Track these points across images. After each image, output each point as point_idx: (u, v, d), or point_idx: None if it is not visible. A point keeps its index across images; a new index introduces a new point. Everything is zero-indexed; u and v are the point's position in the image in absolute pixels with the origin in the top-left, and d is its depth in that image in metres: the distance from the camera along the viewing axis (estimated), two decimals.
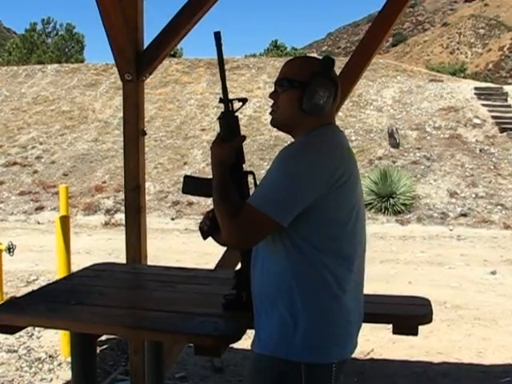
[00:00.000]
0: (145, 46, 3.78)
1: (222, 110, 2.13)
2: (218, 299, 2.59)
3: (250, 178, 2.20)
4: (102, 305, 2.58)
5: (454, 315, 6.29)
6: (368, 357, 5.02)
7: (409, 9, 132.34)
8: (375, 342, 5.29)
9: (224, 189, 1.94)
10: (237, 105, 2.13)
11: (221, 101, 2.13)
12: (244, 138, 2.06)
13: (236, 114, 2.12)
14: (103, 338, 5.11)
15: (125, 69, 3.68)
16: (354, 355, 4.33)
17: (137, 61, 3.69)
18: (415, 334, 2.62)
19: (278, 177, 1.81)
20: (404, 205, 12.79)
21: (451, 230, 11.97)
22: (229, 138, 2.04)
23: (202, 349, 2.25)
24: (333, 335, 1.87)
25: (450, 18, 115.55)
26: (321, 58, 2.04)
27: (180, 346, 4.07)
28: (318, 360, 1.85)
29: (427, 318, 2.69)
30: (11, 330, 2.48)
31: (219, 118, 2.11)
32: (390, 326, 5.79)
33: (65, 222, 4.71)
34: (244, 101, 2.12)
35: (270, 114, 2.02)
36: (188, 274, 3.19)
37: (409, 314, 2.60)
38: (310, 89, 1.88)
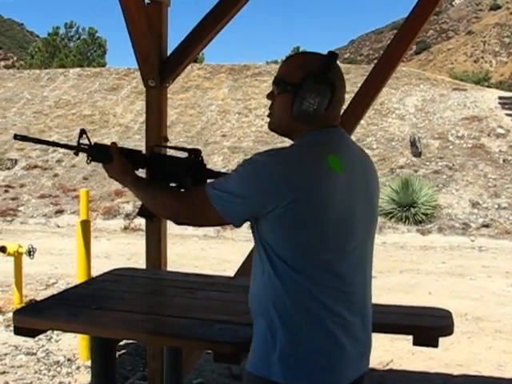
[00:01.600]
0: (168, 53, 3.80)
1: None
2: (238, 307, 2.60)
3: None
4: (123, 310, 2.59)
5: (475, 327, 6.22)
6: (387, 367, 4.98)
7: (433, 17, 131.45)
8: (394, 352, 5.25)
9: (145, 191, 2.04)
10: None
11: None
12: (112, 144, 2.20)
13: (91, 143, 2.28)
14: (122, 342, 5.13)
15: (148, 75, 3.71)
16: (372, 365, 4.30)
17: (160, 67, 3.72)
18: (435, 345, 2.57)
19: (234, 172, 1.77)
20: (425, 214, 12.66)
21: (473, 241, 11.85)
22: (104, 160, 2.20)
23: (221, 356, 2.25)
24: (315, 358, 1.73)
25: (475, 26, 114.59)
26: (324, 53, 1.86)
27: (198, 353, 4.07)
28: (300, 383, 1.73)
29: (448, 329, 2.65)
30: (31, 333, 2.52)
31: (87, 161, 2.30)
32: (410, 336, 5.76)
33: (85, 226, 4.74)
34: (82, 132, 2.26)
35: (268, 116, 1.92)
36: (207, 281, 3.20)
37: (429, 326, 2.56)
38: (300, 94, 1.76)
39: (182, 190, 2.14)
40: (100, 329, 2.42)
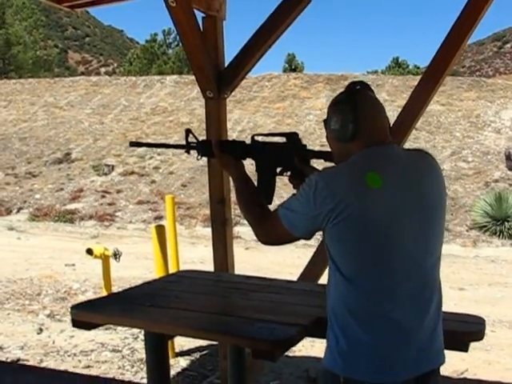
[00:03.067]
0: (226, 65, 3.95)
1: None
2: (285, 308, 2.74)
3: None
4: (175, 307, 2.74)
5: None
6: (461, 376, 4.93)
7: None
8: (470, 362, 5.15)
9: (242, 192, 2.27)
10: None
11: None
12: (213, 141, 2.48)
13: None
14: (204, 343, 5.33)
15: (206, 86, 3.86)
16: (446, 373, 4.25)
17: (218, 79, 3.86)
18: (466, 350, 2.59)
19: (298, 191, 2.01)
20: None
21: None
22: (209, 155, 2.47)
23: (258, 352, 2.36)
24: (370, 356, 1.91)
25: None
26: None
27: None
28: (352, 375, 1.92)
29: (478, 335, 2.64)
30: (88, 326, 2.74)
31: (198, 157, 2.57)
32: (489, 346, 5.64)
33: (161, 231, 4.99)
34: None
35: None
36: (265, 284, 3.30)
37: (460, 331, 2.58)
38: (327, 120, 2.04)
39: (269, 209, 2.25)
40: (149, 324, 2.60)
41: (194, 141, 2.52)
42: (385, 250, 1.90)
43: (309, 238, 2.01)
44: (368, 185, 1.87)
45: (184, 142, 2.57)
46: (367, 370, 1.91)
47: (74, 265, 9.21)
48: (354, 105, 1.97)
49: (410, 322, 1.94)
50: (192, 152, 2.57)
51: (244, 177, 2.33)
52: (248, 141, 2.51)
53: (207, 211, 14.77)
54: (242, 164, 2.41)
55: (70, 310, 2.76)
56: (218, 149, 2.43)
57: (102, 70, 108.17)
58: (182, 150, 2.62)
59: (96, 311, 2.71)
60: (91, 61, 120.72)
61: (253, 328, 2.43)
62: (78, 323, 2.69)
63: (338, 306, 1.96)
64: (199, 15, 3.76)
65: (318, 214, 1.89)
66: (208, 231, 14.21)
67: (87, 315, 2.68)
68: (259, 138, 2.50)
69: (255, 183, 2.38)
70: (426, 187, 1.99)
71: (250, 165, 2.33)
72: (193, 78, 23.41)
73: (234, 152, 2.41)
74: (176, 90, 23.66)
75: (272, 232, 2.08)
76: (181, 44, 3.78)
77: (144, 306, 2.72)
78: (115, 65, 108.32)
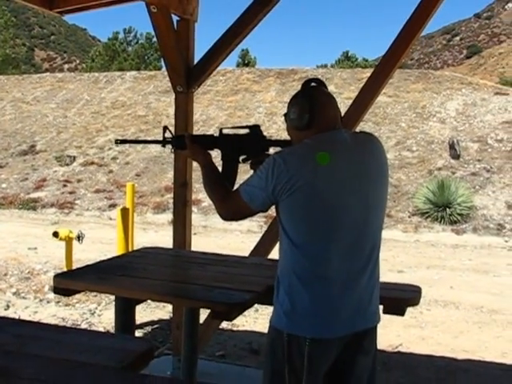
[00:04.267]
0: (195, 62, 4.31)
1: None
2: (240, 278, 3.08)
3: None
4: (143, 277, 3.06)
5: (488, 319, 6.50)
6: (395, 350, 5.30)
7: (484, 21, 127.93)
8: (405, 338, 5.62)
9: (208, 177, 2.52)
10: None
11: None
12: (186, 135, 2.77)
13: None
14: (155, 318, 5.73)
15: (176, 82, 4.22)
16: (382, 347, 4.66)
17: (187, 75, 4.22)
18: (402, 314, 2.97)
19: (258, 169, 2.29)
20: (460, 215, 12.85)
21: (506, 242, 11.97)
22: (182, 148, 2.76)
23: (217, 313, 2.72)
24: (309, 315, 2.17)
25: None
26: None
27: (215, 324, 4.56)
28: (294, 331, 2.19)
29: (413, 301, 3.04)
30: (68, 292, 3.02)
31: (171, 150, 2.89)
32: (423, 324, 6.10)
33: (125, 213, 5.34)
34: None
35: None
36: (221, 259, 3.63)
37: (397, 297, 2.96)
38: (287, 112, 2.33)
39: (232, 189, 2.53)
40: (121, 290, 2.91)
41: (170, 136, 2.82)
42: (329, 217, 2.16)
43: (265, 210, 2.29)
44: (318, 162, 2.14)
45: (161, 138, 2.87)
46: (307, 326, 2.16)
47: (36, 248, 9.74)
48: (309, 98, 2.26)
49: (348, 284, 2.18)
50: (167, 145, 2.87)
51: (211, 164, 2.58)
52: (216, 134, 2.82)
53: (158, 199, 15.15)
54: (209, 154, 2.65)
55: (52, 278, 3.03)
56: (190, 141, 2.71)
57: (66, 66, 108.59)
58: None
59: (76, 279, 3.00)
60: (55, 58, 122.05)
61: (213, 293, 2.75)
62: (58, 290, 2.95)
63: (286, 269, 2.21)
64: (174, 18, 4.09)
65: (275, 187, 2.16)
66: (158, 218, 14.57)
67: (68, 283, 2.96)
68: (226, 131, 2.79)
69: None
70: (369, 165, 2.26)
71: (217, 155, 2.68)
72: (150, 73, 23.69)
73: (204, 144, 2.71)
74: (135, 85, 24.03)
75: (233, 208, 2.35)
76: (157, 44, 4.12)
77: (116, 276, 3.02)
78: (78, 61, 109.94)
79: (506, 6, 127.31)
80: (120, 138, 18.61)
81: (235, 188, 2.41)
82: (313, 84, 2.36)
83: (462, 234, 12.51)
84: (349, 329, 2.21)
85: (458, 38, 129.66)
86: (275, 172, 2.16)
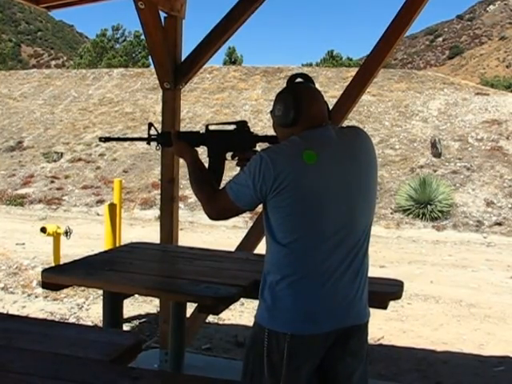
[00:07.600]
0: (182, 59, 4.34)
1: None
2: (227, 272, 3.13)
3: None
4: (130, 271, 3.10)
5: (467, 312, 6.64)
6: (377, 342, 5.42)
7: (467, 22, 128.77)
8: (387, 330, 5.73)
9: (195, 175, 2.45)
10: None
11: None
12: (172, 132, 2.68)
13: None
14: (142, 312, 5.79)
15: (164, 78, 4.25)
16: None
17: (175, 72, 4.25)
18: (385, 308, 3.02)
19: (245, 167, 2.24)
20: (441, 212, 13.07)
21: (485, 238, 12.18)
22: (168, 145, 2.69)
23: (204, 307, 2.79)
24: (292, 312, 2.15)
25: (509, 32, 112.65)
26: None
27: (202, 317, 4.62)
28: (275, 328, 2.17)
29: (397, 294, 3.10)
30: (56, 287, 3.07)
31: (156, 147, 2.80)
32: (404, 318, 6.21)
33: (112, 208, 5.38)
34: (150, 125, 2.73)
35: None
36: (207, 254, 3.67)
37: (380, 291, 3.00)
38: (273, 109, 2.28)
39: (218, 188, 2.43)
40: (109, 285, 2.95)
41: (155, 133, 2.75)
42: (316, 217, 2.12)
43: (252, 209, 2.24)
44: (305, 161, 2.09)
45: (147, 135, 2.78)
46: (288, 323, 2.14)
47: (23, 244, 9.80)
48: (294, 94, 2.21)
49: (332, 282, 2.15)
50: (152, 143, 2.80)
51: (197, 161, 2.49)
52: (203, 130, 2.76)
53: (145, 195, 15.19)
54: (196, 151, 2.57)
55: (41, 273, 3.04)
56: (176, 138, 2.62)
57: (53, 63, 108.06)
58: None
59: (64, 274, 3.03)
60: (42, 54, 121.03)
61: (200, 287, 2.79)
62: (47, 285, 2.99)
63: (271, 266, 2.20)
64: (162, 15, 4.12)
65: (262, 186, 2.12)
66: (145, 213, 14.62)
67: (56, 277, 2.99)
68: (212, 127, 2.74)
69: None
70: (356, 161, 2.22)
71: (203, 152, 2.65)
72: (137, 70, 23.71)
73: (190, 141, 2.65)
74: (122, 82, 24.04)
75: (220, 207, 2.28)
76: (145, 41, 4.15)
77: (104, 270, 3.06)
78: (65, 58, 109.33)
79: (488, 8, 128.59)
80: (107, 134, 18.62)
81: (222, 186, 2.36)
82: (298, 80, 2.32)
83: (442, 230, 12.72)
84: (332, 326, 2.17)
85: (440, 39, 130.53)
86: (262, 171, 2.12)
